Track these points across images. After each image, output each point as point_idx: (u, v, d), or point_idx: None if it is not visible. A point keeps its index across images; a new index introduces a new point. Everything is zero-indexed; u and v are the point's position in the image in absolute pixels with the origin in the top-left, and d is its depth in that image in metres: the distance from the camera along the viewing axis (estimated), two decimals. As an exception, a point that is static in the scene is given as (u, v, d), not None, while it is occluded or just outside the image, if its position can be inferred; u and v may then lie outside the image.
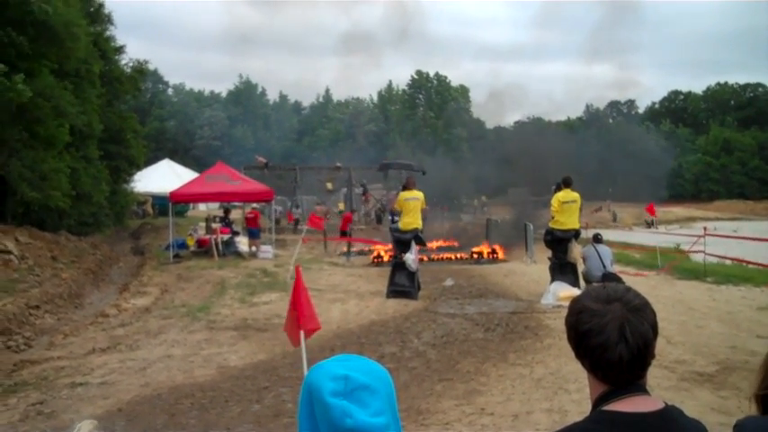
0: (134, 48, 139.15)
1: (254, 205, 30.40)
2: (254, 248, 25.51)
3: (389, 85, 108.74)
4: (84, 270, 21.00)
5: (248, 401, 8.43)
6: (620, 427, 1.85)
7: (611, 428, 1.86)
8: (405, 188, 17.15)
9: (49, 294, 16.27)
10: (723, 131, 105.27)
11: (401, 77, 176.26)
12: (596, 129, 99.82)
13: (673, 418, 1.89)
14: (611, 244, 18.69)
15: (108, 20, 36.39)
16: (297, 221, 41.11)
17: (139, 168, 43.92)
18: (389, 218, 29.18)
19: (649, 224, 49.75)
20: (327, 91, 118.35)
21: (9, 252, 18.65)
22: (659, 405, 1.90)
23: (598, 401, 1.94)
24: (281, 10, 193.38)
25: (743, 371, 8.94)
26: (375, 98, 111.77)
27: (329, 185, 49.46)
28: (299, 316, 7.23)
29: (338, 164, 48.85)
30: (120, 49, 37.94)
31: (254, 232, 26.85)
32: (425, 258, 22.06)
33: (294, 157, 79.77)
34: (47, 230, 23.93)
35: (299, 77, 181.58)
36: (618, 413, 1.87)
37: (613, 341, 1.85)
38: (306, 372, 6.53)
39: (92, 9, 34.07)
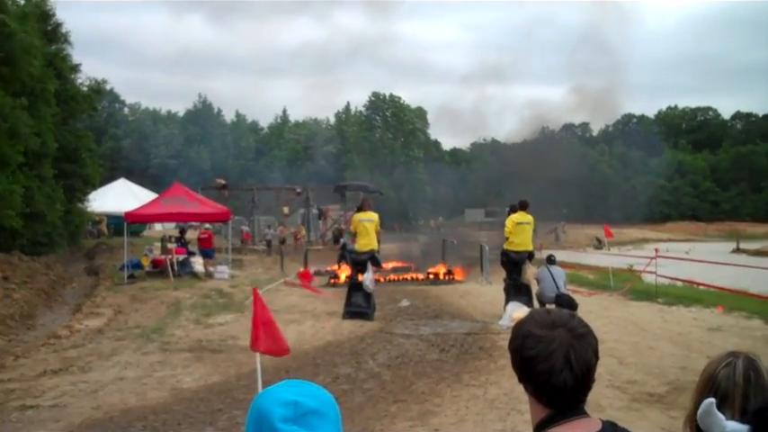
0: (90, 66, 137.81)
1: (207, 226, 30.19)
2: (210, 269, 25.35)
3: (347, 107, 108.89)
4: (36, 290, 20.69)
5: (201, 424, 8.37)
6: None
7: None
8: (360, 210, 17.24)
9: (-1, 315, 16.03)
10: (677, 154, 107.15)
11: (360, 99, 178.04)
12: (552, 151, 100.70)
13: None
14: (564, 265, 18.90)
15: (65, 39, 36.09)
16: (269, 243, 40.73)
17: (95, 188, 43.42)
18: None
19: (598, 246, 50.26)
20: (284, 111, 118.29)
21: (-41, 272, 18.35)
22: (597, 426, 1.94)
23: (540, 425, 1.98)
24: (238, 30, 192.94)
25: (693, 391, 9.07)
26: (332, 119, 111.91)
27: (285, 210, 49.27)
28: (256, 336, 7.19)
29: (297, 189, 48.71)
30: (75, 68, 37.60)
31: (207, 253, 26.75)
32: (381, 279, 22.09)
33: (251, 177, 79.50)
34: (-1, 250, 23.59)
35: (256, 97, 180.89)
36: None
37: (559, 367, 1.89)
38: (260, 385, 6.55)
39: (49, 28, 33.79)
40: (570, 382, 1.90)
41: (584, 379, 1.92)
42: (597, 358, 1.97)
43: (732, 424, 2.07)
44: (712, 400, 2.09)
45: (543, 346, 1.93)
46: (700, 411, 2.09)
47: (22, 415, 8.83)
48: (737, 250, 51.70)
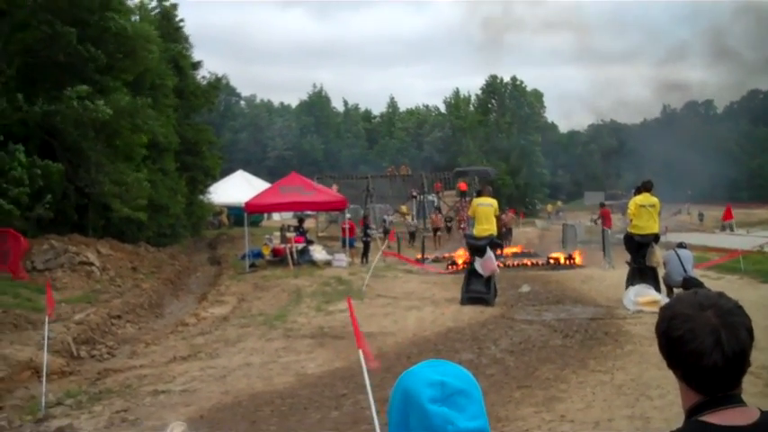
0: (206, 61, 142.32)
1: (348, 216, 30.48)
2: (329, 257, 25.63)
3: (456, 93, 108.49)
4: (163, 280, 21.45)
5: (327, 408, 8.46)
6: None
7: None
8: (479, 195, 17.13)
9: (130, 304, 16.66)
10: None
11: (465, 85, 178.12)
12: (674, 130, 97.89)
13: None
14: (691, 247, 18.24)
15: (185, 39, 37.39)
16: (413, 234, 38.89)
17: (215, 179, 44.70)
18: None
19: (724, 228, 47.93)
20: (392, 99, 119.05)
21: (91, 264, 19.15)
22: (755, 416, 1.82)
23: (692, 412, 1.86)
24: (345, 20, 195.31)
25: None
26: (441, 107, 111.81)
27: (404, 209, 48.86)
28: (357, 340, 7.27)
29: (414, 192, 48.11)
30: (197, 65, 38.85)
31: (350, 241, 27.59)
32: (501, 265, 21.87)
33: (365, 165, 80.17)
34: (126, 242, 24.50)
35: (368, 86, 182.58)
36: (713, 426, 1.79)
37: (708, 348, 1.77)
38: (368, 384, 6.57)
39: (171, 30, 34.96)
40: (721, 364, 1.77)
41: (738, 361, 1.80)
42: (752, 339, 1.84)
43: None
44: None
45: (690, 325, 1.81)
46: None
47: (154, 399, 9.13)
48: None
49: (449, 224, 40.74)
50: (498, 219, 16.80)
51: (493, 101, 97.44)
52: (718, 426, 1.79)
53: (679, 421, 1.91)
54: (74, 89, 19.40)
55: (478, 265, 15.71)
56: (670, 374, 1.97)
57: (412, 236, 37.62)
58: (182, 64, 35.19)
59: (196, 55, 39.22)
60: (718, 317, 1.81)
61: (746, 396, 1.87)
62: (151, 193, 24.80)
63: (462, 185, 46.21)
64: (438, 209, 44.89)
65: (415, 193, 47.54)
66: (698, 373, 1.82)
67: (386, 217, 41.15)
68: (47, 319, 9.67)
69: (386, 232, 36.06)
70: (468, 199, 36.06)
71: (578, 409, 8.01)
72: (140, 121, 22.34)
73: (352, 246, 27.63)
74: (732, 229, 45.52)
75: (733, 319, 1.82)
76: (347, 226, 28.25)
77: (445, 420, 1.49)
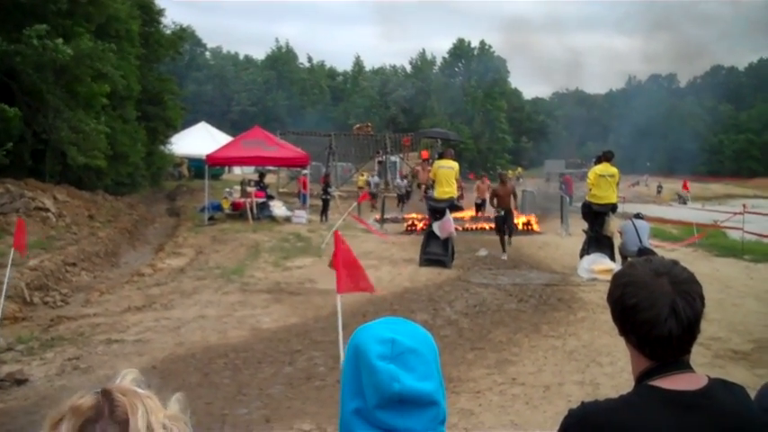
0: (171, 10, 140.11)
1: (305, 172, 30.15)
2: (288, 213, 25.61)
3: (423, 54, 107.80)
4: (120, 229, 21.22)
5: (281, 363, 8.48)
6: (663, 403, 1.81)
7: (655, 403, 1.82)
8: (440, 157, 17.16)
9: (85, 252, 16.48)
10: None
11: (433, 47, 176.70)
12: (637, 102, 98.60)
13: (715, 397, 1.83)
14: (648, 219, 18.47)
15: None
16: (402, 197, 36.70)
17: (176, 130, 44.21)
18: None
19: (680, 199, 48.66)
20: (358, 58, 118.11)
21: (47, 210, 18.88)
22: (703, 382, 1.85)
23: (642, 376, 1.89)
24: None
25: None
26: (407, 68, 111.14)
27: (364, 175, 48.43)
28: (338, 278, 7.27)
29: (378, 158, 47.66)
30: (160, 12, 38.13)
31: (304, 197, 27.78)
32: (459, 228, 21.90)
33: (328, 123, 79.64)
34: (84, 189, 24.17)
35: (334, 44, 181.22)
36: (663, 390, 1.82)
37: (663, 316, 1.79)
38: (341, 337, 6.60)
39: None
40: (676, 332, 1.80)
41: (691, 328, 1.82)
42: (704, 306, 1.86)
43: None
44: None
45: (646, 293, 1.83)
46: None
47: (107, 348, 9.08)
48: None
49: (408, 189, 40.33)
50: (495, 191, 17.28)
51: (460, 64, 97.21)
52: (667, 390, 1.82)
53: (628, 388, 1.93)
54: (32, 28, 18.95)
55: (436, 226, 15.77)
56: (621, 342, 1.99)
57: (401, 199, 36.19)
58: (148, 7, 34.68)
59: (161, 3, 38.51)
60: (673, 284, 1.82)
61: (695, 366, 1.90)
62: (110, 141, 24.42)
63: (424, 153, 45.79)
64: (404, 176, 44.55)
65: (380, 159, 47.28)
66: (652, 341, 1.84)
67: (371, 179, 40.72)
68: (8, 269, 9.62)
69: (374, 196, 34.86)
70: (430, 163, 35.66)
71: (530, 372, 8.11)
72: (100, 65, 21.84)
73: (304, 202, 27.58)
74: (686, 202, 46.27)
75: (687, 286, 1.84)
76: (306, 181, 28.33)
77: (391, 377, 1.47)
